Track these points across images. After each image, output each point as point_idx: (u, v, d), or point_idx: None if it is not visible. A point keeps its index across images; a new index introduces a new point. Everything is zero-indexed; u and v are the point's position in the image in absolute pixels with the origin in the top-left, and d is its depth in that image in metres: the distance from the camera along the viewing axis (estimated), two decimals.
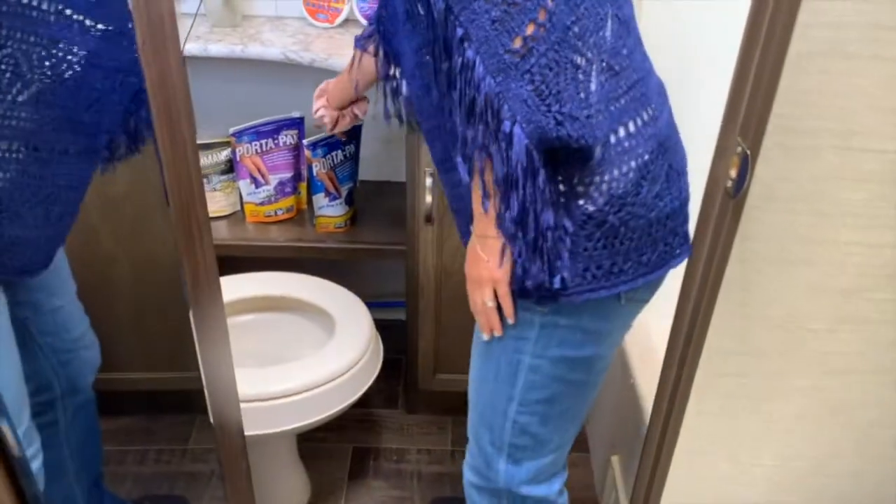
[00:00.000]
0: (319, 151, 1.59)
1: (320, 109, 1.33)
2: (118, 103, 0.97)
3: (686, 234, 0.91)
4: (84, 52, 0.89)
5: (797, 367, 0.94)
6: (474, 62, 0.73)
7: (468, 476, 1.10)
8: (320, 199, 1.66)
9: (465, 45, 0.72)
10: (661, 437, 1.02)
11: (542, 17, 0.71)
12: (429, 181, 1.44)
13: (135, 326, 1.59)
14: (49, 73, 0.86)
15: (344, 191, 1.66)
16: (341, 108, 1.32)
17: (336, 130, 1.38)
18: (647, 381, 1.38)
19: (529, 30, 0.71)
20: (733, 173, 0.80)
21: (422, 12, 0.78)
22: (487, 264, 0.85)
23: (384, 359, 1.48)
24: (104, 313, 1.57)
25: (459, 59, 0.73)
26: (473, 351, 1.01)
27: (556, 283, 0.84)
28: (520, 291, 0.87)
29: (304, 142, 1.59)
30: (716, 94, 0.93)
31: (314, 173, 1.61)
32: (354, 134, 1.63)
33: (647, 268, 0.88)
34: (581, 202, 0.82)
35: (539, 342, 0.90)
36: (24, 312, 1.12)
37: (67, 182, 0.98)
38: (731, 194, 0.81)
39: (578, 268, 0.84)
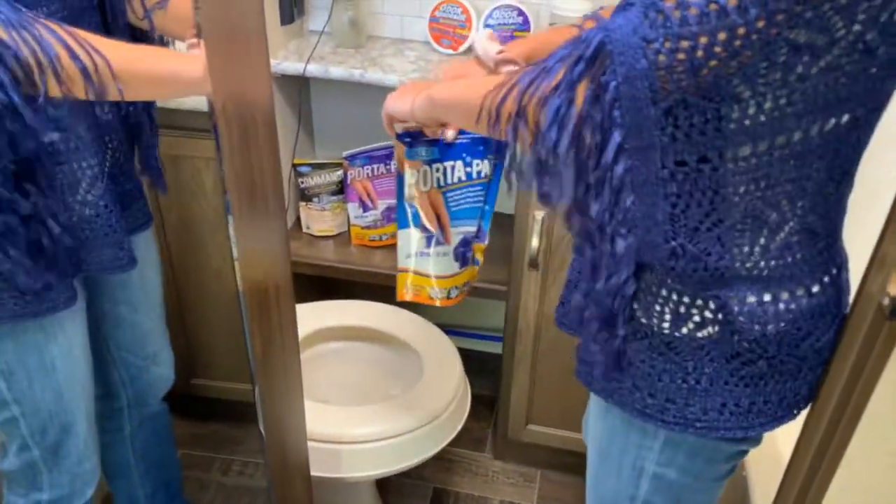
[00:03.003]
0: (423, 151, 0.96)
1: (505, 52, 0.90)
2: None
3: None
4: None
5: None
6: None
7: None
8: (411, 240, 1.04)
9: None
10: None
11: None
12: (538, 224, 1.35)
13: (231, 337, 1.60)
14: None
15: (453, 234, 1.02)
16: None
17: None
18: (760, 475, 1.23)
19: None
20: (893, 290, 0.66)
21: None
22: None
23: (476, 395, 1.40)
24: (204, 323, 1.59)
25: None
26: (590, 439, 0.90)
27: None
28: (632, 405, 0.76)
29: (397, 127, 0.94)
30: (879, 172, 0.79)
31: (404, 183, 0.99)
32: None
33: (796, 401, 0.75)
34: None
35: (664, 453, 0.79)
36: (106, 326, 1.14)
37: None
38: (886, 314, 0.67)
39: (715, 402, 0.72)
